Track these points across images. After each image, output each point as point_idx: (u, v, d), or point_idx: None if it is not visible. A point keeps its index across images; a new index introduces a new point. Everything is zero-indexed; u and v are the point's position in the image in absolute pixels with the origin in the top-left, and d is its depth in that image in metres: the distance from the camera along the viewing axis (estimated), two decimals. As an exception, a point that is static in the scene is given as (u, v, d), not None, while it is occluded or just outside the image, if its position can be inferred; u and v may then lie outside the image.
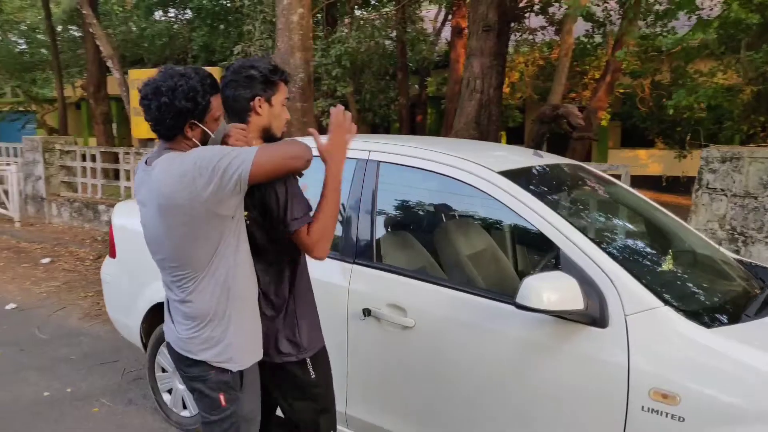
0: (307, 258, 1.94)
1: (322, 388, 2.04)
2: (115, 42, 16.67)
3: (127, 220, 3.37)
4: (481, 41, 6.77)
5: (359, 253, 2.49)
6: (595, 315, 1.99)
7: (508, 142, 14.56)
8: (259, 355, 1.87)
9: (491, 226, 2.47)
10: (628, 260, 2.35)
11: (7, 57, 20.96)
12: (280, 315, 1.93)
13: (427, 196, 2.60)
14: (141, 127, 9.11)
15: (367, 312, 2.38)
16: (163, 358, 3.15)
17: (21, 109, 23.08)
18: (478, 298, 2.20)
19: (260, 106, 1.89)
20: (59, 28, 17.53)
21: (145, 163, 1.82)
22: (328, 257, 2.50)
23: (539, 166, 2.66)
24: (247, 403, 1.84)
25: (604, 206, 2.92)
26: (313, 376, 1.99)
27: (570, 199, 2.66)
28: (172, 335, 1.87)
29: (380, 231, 2.52)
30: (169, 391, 3.16)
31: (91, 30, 9.80)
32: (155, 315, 3.15)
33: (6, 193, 8.74)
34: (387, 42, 12.08)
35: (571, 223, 2.15)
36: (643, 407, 1.90)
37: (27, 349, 4.08)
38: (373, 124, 13.02)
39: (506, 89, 14.29)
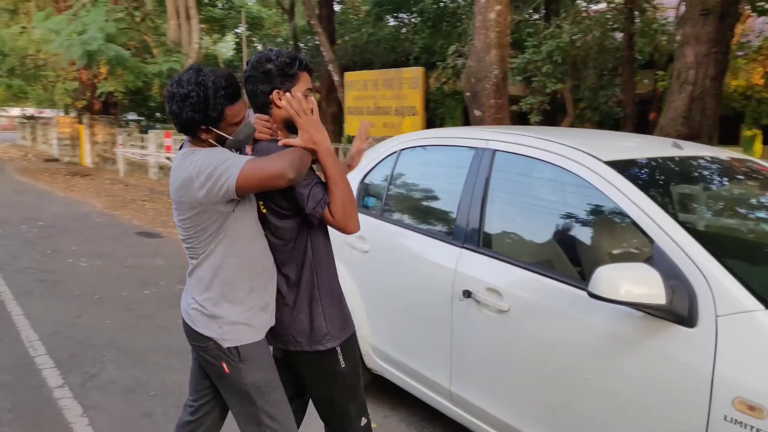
0: (356, 245, 2.19)
1: (351, 376, 2.12)
2: (347, 48, 18.71)
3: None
4: (697, 27, 6.23)
5: (467, 237, 2.71)
6: (681, 312, 1.94)
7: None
8: (259, 336, 1.98)
9: (590, 215, 2.47)
10: (735, 259, 2.18)
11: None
12: (303, 303, 2.02)
13: (535, 185, 2.69)
14: (352, 125, 10.25)
15: (467, 294, 2.59)
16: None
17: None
18: (568, 287, 2.26)
19: (280, 99, 1.96)
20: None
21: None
22: (439, 239, 2.80)
23: (661, 157, 2.57)
24: (252, 373, 1.95)
25: (738, 202, 2.70)
26: (343, 366, 2.07)
27: (691, 192, 2.52)
28: (183, 303, 2.07)
29: (489, 218, 2.69)
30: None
31: (317, 39, 11.28)
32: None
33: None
34: (610, 35, 11.54)
35: (672, 215, 2.11)
36: (725, 417, 1.81)
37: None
38: (599, 122, 12.53)
39: (761, 80, 12.54)
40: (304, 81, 2.00)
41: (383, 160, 3.41)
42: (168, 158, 13.22)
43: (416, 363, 2.96)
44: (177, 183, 1.88)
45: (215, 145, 1.92)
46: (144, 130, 16.78)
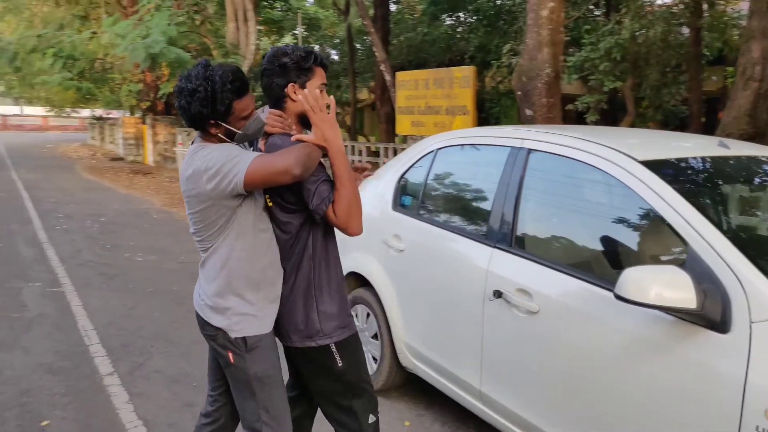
0: (383, 242, 2.21)
1: (352, 375, 2.13)
2: (402, 47, 18.78)
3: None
4: (764, 20, 5.94)
5: (500, 237, 2.71)
6: (713, 318, 1.89)
7: None
8: (266, 329, 2.03)
9: (623, 216, 2.41)
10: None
11: (320, 67, 25.23)
12: (298, 299, 2.05)
13: (569, 185, 2.64)
14: (403, 125, 10.29)
15: (497, 294, 2.58)
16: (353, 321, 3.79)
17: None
18: (598, 289, 2.23)
19: (294, 93, 2.00)
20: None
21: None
22: (473, 238, 2.81)
23: (702, 157, 2.49)
24: (256, 364, 2.00)
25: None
26: (341, 365, 2.08)
27: (731, 193, 2.43)
28: (195, 294, 2.12)
29: (522, 218, 2.68)
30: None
31: (370, 38, 11.38)
32: (349, 281, 3.80)
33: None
34: (675, 30, 11.12)
35: (708, 217, 2.04)
36: (758, 427, 1.75)
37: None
38: (663, 121, 12.11)
39: None
40: (319, 76, 2.04)
41: (421, 159, 3.44)
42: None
43: (448, 362, 2.97)
44: (186, 177, 1.94)
45: (225, 140, 1.96)
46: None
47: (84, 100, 23.41)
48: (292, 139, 1.96)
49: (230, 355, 2.01)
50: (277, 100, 2.05)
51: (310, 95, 1.92)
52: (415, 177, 3.46)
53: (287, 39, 29.91)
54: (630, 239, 2.34)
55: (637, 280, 1.91)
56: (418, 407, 3.45)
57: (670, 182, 2.19)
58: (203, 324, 2.06)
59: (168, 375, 3.75)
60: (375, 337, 3.55)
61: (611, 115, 12.20)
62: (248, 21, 15.69)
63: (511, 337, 2.58)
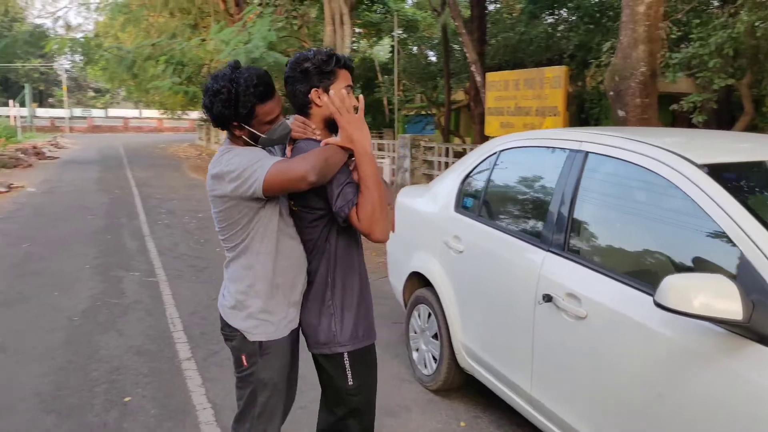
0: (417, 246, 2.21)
1: (361, 396, 2.12)
2: (499, 47, 18.54)
3: (406, 200, 4.21)
4: None
5: (554, 240, 2.68)
6: (763, 331, 1.79)
7: None
8: (281, 334, 2.07)
9: (675, 221, 2.31)
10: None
11: (417, 68, 25.50)
12: (315, 303, 2.08)
13: (624, 188, 2.56)
14: (492, 126, 10.21)
15: (547, 298, 2.57)
16: (415, 320, 3.87)
17: (423, 113, 27.81)
18: (645, 296, 2.17)
19: (319, 98, 2.01)
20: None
21: None
22: (528, 241, 2.81)
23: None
24: (265, 370, 2.05)
25: None
26: (351, 384, 2.09)
27: None
28: (220, 295, 2.18)
29: (575, 221, 2.64)
30: (417, 350, 3.86)
31: (460, 39, 11.38)
32: (413, 281, 3.89)
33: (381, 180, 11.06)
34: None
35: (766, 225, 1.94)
36: (806, 450, 1.65)
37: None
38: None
39: None
40: (343, 78, 2.04)
41: (484, 160, 3.46)
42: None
43: (501, 364, 2.98)
44: (211, 176, 2.00)
45: (250, 143, 2.01)
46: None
47: (192, 103, 25.06)
48: (323, 143, 1.97)
49: (243, 358, 2.06)
50: (301, 106, 2.06)
51: (335, 97, 1.94)
52: (478, 178, 3.48)
53: (385, 41, 30.43)
54: (682, 246, 2.26)
55: (678, 287, 1.86)
56: (476, 409, 3.47)
57: (729, 188, 2.10)
58: (224, 324, 2.11)
59: (240, 363, 4.00)
60: (435, 336, 3.61)
61: (726, 115, 11.41)
62: (344, 24, 16.15)
63: (559, 342, 2.55)
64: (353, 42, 31.07)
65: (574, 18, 17.02)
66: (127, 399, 3.48)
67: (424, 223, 3.86)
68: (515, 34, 18.25)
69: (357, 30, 28.83)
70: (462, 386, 3.60)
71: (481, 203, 3.38)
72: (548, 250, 2.70)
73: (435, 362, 3.61)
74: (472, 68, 11.26)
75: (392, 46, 25.22)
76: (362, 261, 2.18)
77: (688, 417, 1.99)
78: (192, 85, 17.52)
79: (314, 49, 2.09)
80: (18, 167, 17.75)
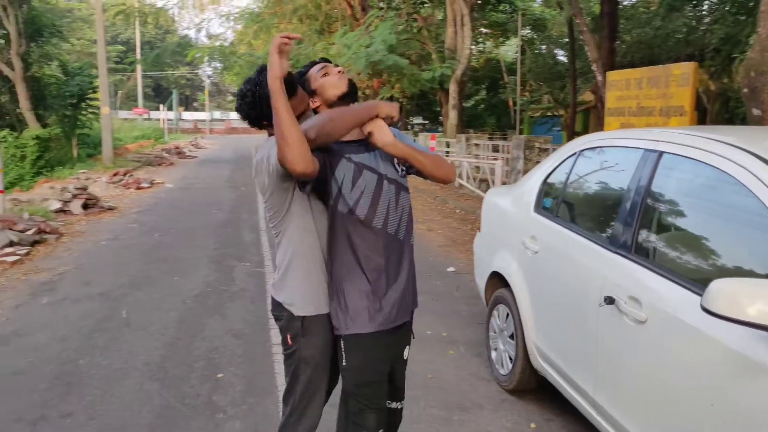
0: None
1: (350, 378, 2.18)
2: (631, 44, 17.66)
3: (493, 199, 4.25)
4: None
5: (621, 242, 2.64)
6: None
7: None
8: (321, 310, 2.16)
9: (744, 223, 2.17)
10: None
11: (543, 68, 24.90)
12: (330, 286, 2.18)
13: (694, 189, 2.45)
14: (612, 127, 9.79)
15: (609, 300, 2.54)
16: (495, 320, 3.91)
17: (549, 114, 27.07)
18: (704, 302, 2.09)
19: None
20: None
21: None
22: (597, 242, 2.78)
23: None
24: (307, 348, 2.18)
25: None
26: (344, 363, 2.17)
27: None
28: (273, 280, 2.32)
29: (644, 223, 2.57)
30: (495, 350, 3.89)
31: (580, 36, 11.03)
32: (494, 281, 3.93)
33: (492, 182, 11.01)
34: None
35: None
36: None
37: (439, 300, 5.51)
38: None
39: None
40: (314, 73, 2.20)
41: (565, 160, 3.43)
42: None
43: (567, 366, 2.97)
44: (254, 168, 2.17)
45: None
46: (416, 133, 18.34)
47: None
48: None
49: (288, 337, 2.21)
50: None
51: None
52: (557, 179, 3.47)
53: (513, 41, 29.99)
54: (747, 249, 2.14)
55: (729, 293, 1.80)
56: (550, 412, 3.45)
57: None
58: (274, 304, 2.27)
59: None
60: (512, 337, 3.63)
61: None
62: (464, 25, 16.22)
63: (620, 346, 2.51)
64: (478, 43, 31.00)
65: (720, 9, 15.80)
66: (219, 375, 3.86)
67: (506, 222, 3.89)
68: (651, 29, 17.30)
69: (483, 30, 28.75)
70: (537, 388, 3.59)
71: (558, 203, 3.37)
72: (615, 252, 2.66)
73: (511, 362, 3.64)
74: (593, 67, 10.88)
75: (519, 46, 24.88)
76: (355, 247, 2.12)
77: (734, 425, 1.91)
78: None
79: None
80: (161, 165, 19.69)
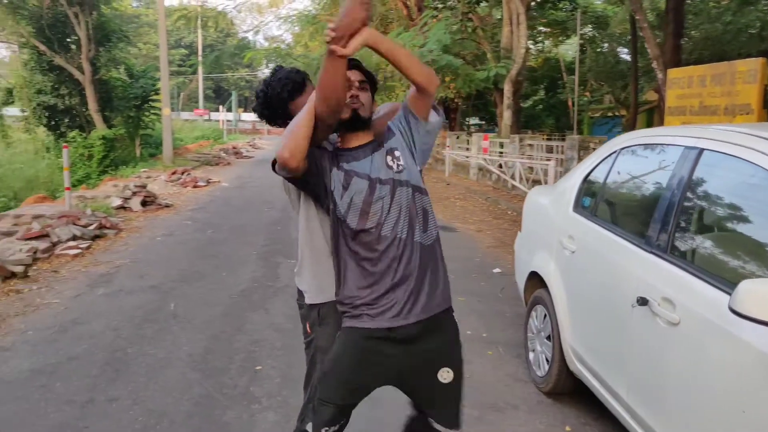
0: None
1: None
2: (698, 41, 17.01)
3: (534, 199, 4.20)
4: None
5: (657, 242, 2.57)
6: None
7: None
8: (332, 298, 2.13)
9: None
10: None
11: (605, 67, 24.28)
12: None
13: (733, 188, 2.36)
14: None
15: (642, 301, 2.48)
16: (533, 321, 3.86)
17: (610, 114, 26.35)
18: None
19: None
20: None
21: None
22: (633, 242, 2.74)
23: None
24: (323, 338, 2.22)
25: None
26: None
27: None
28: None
29: (681, 223, 2.50)
30: (533, 351, 3.85)
31: (640, 33, 10.70)
32: (533, 281, 3.89)
33: (545, 183, 10.83)
34: None
35: None
36: None
37: (483, 301, 5.48)
38: None
39: None
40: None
41: (604, 159, 3.37)
42: (484, 159, 14.21)
43: (602, 368, 2.91)
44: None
45: None
46: (471, 134, 18.23)
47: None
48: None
49: (308, 325, 2.32)
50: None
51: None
52: (596, 178, 3.41)
53: (572, 40, 29.37)
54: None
55: (759, 294, 1.75)
56: (587, 416, 3.39)
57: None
58: (298, 293, 2.36)
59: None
60: (549, 338, 3.58)
61: None
62: (520, 24, 16.00)
63: (652, 348, 2.46)
64: (537, 42, 30.46)
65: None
66: (258, 367, 3.97)
67: (545, 222, 3.84)
68: (720, 25, 16.61)
69: (542, 29, 28.25)
70: (575, 392, 3.53)
71: (596, 202, 3.31)
72: (650, 252, 2.60)
73: (548, 364, 3.59)
74: (654, 64, 10.53)
75: (581, 45, 24.30)
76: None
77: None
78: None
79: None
80: (219, 165, 20.29)
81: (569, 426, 3.30)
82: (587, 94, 27.36)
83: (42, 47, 19.59)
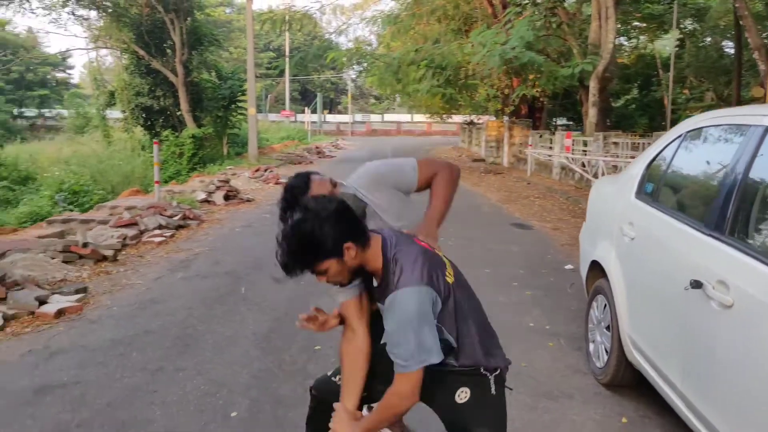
0: None
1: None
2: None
3: (599, 189, 4.12)
4: None
5: (716, 224, 2.48)
6: None
7: None
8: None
9: None
10: None
11: (705, 62, 23.06)
12: None
13: None
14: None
15: (695, 284, 2.40)
16: (593, 311, 3.79)
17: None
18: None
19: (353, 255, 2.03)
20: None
21: None
22: (691, 225, 2.67)
23: None
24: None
25: None
26: None
27: None
28: None
29: (741, 204, 2.40)
30: (593, 342, 3.78)
31: (741, 23, 10.11)
32: (594, 272, 3.82)
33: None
34: None
35: None
36: None
37: (550, 295, 5.40)
38: None
39: None
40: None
41: (669, 143, 3.27)
42: (567, 158, 13.87)
43: (657, 356, 2.83)
44: None
45: None
46: (554, 132, 17.82)
47: (453, 105, 26.43)
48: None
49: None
50: (325, 252, 1.91)
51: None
52: (660, 163, 3.31)
53: (670, 35, 28.03)
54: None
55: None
56: (647, 410, 3.30)
57: None
58: None
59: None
60: (608, 328, 3.51)
61: None
62: (608, 18, 15.49)
63: (705, 333, 2.38)
64: (631, 38, 29.30)
65: None
66: (317, 347, 4.12)
67: (608, 211, 3.76)
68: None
69: (636, 24, 27.13)
70: (636, 385, 3.44)
71: (658, 188, 3.21)
72: (708, 234, 2.51)
73: (607, 354, 3.52)
74: (755, 55, 9.93)
75: (680, 39, 23.17)
76: None
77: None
78: (450, 88, 18.61)
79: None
80: (301, 164, 20.91)
81: (626, 418, 3.22)
82: (686, 91, 26.03)
83: (141, 52, 20.94)
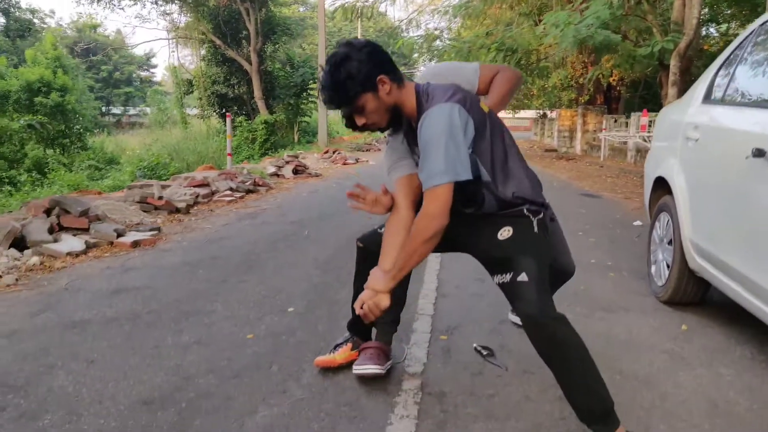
0: None
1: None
2: None
3: (665, 113, 4.02)
4: None
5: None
6: None
7: None
8: None
9: None
10: None
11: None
12: None
13: None
14: None
15: (758, 152, 2.35)
16: (656, 231, 3.71)
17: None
18: None
19: (388, 92, 2.09)
20: None
21: None
22: (749, 106, 2.58)
23: None
24: None
25: None
26: None
27: None
28: None
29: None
30: (655, 263, 3.69)
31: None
32: (657, 193, 3.74)
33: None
34: None
35: None
36: None
37: (616, 243, 5.31)
38: None
39: None
40: None
41: (740, 43, 3.17)
42: (642, 138, 13.43)
43: (719, 250, 2.75)
44: None
45: None
46: (628, 116, 17.28)
47: (525, 95, 26.04)
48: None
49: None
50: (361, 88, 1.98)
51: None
52: (729, 63, 3.21)
53: (761, 11, 26.54)
54: None
55: None
56: (709, 319, 3.21)
57: None
58: None
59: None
60: (670, 243, 3.43)
61: None
62: (692, -6, 14.87)
63: (766, 202, 2.30)
64: (719, 23, 28.02)
65: None
66: (375, 267, 4.23)
67: (672, 127, 3.67)
68: None
69: (726, 11, 25.88)
70: (699, 303, 3.36)
71: (724, 89, 3.12)
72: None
73: (668, 269, 3.44)
74: None
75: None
76: None
77: None
78: (521, 72, 18.43)
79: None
80: (369, 150, 21.20)
81: (686, 325, 3.15)
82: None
83: (218, 42, 21.84)
